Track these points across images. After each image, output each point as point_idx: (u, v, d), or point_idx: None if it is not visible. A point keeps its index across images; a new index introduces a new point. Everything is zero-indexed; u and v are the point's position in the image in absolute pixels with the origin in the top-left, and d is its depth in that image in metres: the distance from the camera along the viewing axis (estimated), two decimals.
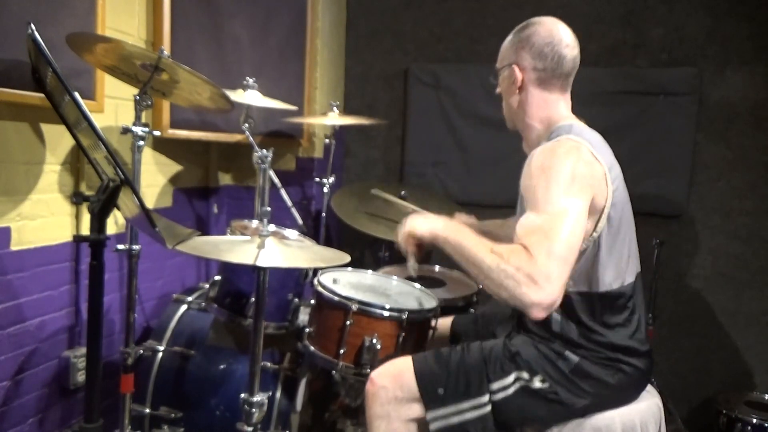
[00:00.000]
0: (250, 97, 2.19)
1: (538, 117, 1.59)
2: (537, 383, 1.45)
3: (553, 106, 1.58)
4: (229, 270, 2.01)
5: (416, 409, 1.52)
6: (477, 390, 1.47)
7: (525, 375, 1.47)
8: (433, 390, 1.49)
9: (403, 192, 2.78)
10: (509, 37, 1.62)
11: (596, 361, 1.45)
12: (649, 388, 1.57)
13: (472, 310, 2.14)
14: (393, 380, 1.53)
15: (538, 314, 1.25)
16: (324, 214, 2.79)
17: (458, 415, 1.47)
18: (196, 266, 2.84)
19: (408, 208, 1.99)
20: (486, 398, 1.46)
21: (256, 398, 1.60)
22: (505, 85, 1.63)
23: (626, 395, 1.50)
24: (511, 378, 1.47)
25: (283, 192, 2.31)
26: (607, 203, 1.41)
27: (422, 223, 1.51)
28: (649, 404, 1.52)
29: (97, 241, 1.54)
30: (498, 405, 1.45)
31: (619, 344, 1.45)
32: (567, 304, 1.45)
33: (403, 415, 1.52)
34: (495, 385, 1.47)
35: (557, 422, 1.47)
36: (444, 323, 1.95)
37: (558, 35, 1.55)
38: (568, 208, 1.32)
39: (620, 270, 1.47)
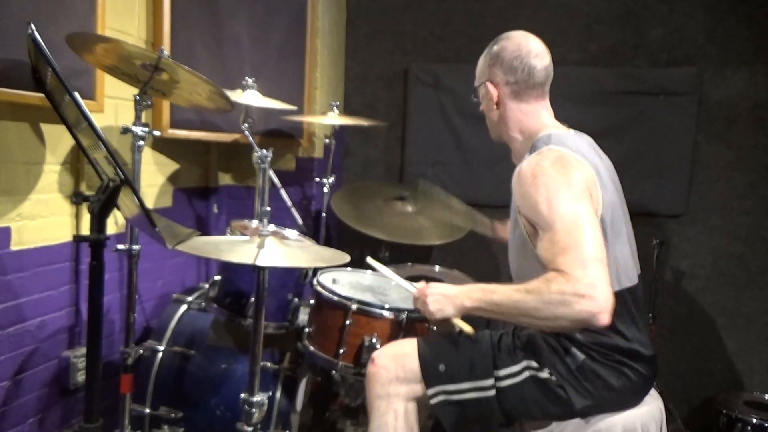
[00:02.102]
0: (250, 97, 2.19)
1: (519, 128, 1.62)
2: (546, 374, 1.46)
3: (532, 116, 1.61)
4: (229, 270, 2.02)
5: (417, 389, 1.53)
6: (482, 373, 1.48)
7: (534, 364, 1.47)
8: (434, 366, 1.51)
9: (403, 194, 2.79)
10: (482, 56, 1.67)
11: (601, 362, 1.45)
12: (651, 390, 1.57)
13: None
14: (394, 360, 1.55)
15: (604, 321, 1.27)
16: (324, 214, 2.79)
17: (459, 393, 1.48)
18: (196, 266, 2.84)
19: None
20: (490, 382, 1.47)
21: (256, 398, 1.61)
22: (485, 102, 1.68)
23: (628, 400, 1.49)
24: (520, 366, 1.48)
25: (283, 192, 2.31)
26: (600, 205, 1.42)
27: (448, 307, 1.51)
28: (650, 407, 1.51)
29: (97, 241, 1.54)
30: (504, 392, 1.47)
31: (623, 347, 1.45)
32: None
33: (403, 395, 1.53)
34: (502, 372, 1.48)
35: (558, 418, 1.48)
36: None
37: (526, 47, 1.58)
38: (577, 214, 1.33)
39: (620, 272, 1.47)
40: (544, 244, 1.36)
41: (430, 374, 1.51)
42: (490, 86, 1.62)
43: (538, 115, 1.61)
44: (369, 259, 1.88)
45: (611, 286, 1.43)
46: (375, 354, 1.60)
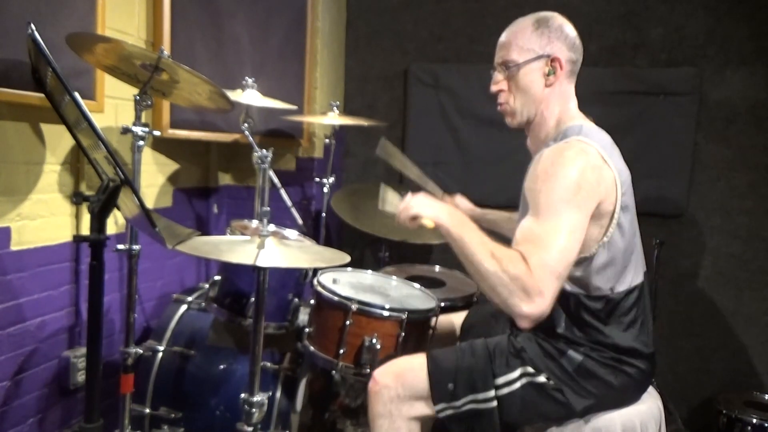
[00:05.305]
0: (250, 96, 2.19)
1: (556, 111, 1.54)
2: (542, 378, 1.46)
3: (570, 101, 1.56)
4: (229, 270, 2.01)
5: (419, 408, 1.52)
6: (483, 386, 1.47)
7: (530, 369, 1.47)
8: (444, 385, 1.50)
9: (402, 192, 2.79)
10: (529, 28, 1.54)
11: (600, 361, 1.45)
12: (650, 389, 1.57)
13: None
14: (396, 379, 1.54)
15: (525, 325, 1.29)
16: (324, 214, 2.79)
17: (465, 405, 1.48)
18: (196, 266, 2.84)
19: (411, 174, 1.93)
20: (492, 393, 1.47)
21: (256, 398, 1.60)
22: (531, 77, 1.53)
23: (628, 397, 1.50)
24: (517, 373, 1.47)
25: (283, 192, 2.31)
26: (617, 208, 1.40)
27: (428, 209, 1.46)
28: (649, 405, 1.52)
29: (97, 241, 1.54)
30: (503, 400, 1.46)
31: (623, 346, 1.45)
32: (576, 308, 1.46)
33: (405, 414, 1.52)
34: (500, 380, 1.47)
35: (558, 421, 1.47)
36: (453, 320, 1.95)
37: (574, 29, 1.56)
38: (567, 221, 1.32)
39: (629, 272, 1.47)
40: (524, 224, 1.36)
41: (439, 393, 1.50)
42: (555, 61, 1.51)
43: (572, 101, 1.57)
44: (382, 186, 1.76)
45: (620, 285, 1.45)
46: (376, 372, 1.58)
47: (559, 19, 1.54)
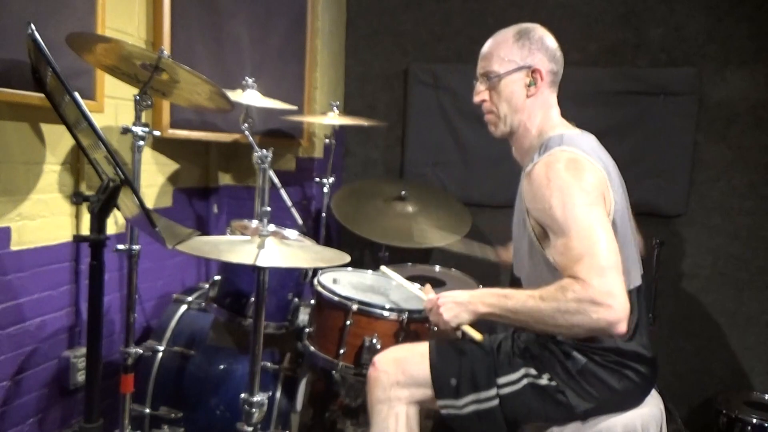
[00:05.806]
0: (250, 97, 2.19)
1: (538, 121, 1.58)
2: (545, 380, 1.45)
3: (552, 111, 1.59)
4: (229, 270, 2.02)
5: (418, 393, 1.52)
6: (485, 383, 1.47)
7: (533, 371, 1.47)
8: (446, 379, 1.50)
9: (403, 192, 2.79)
10: (510, 40, 1.57)
11: (603, 365, 1.44)
12: (652, 391, 1.57)
13: None
14: (396, 365, 1.54)
15: (621, 330, 1.27)
16: (324, 214, 2.79)
17: (467, 406, 1.47)
18: (196, 266, 2.84)
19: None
20: (493, 392, 1.46)
21: (256, 398, 1.60)
22: (512, 88, 1.57)
23: (630, 402, 1.49)
24: (520, 373, 1.47)
25: (283, 192, 2.31)
26: (612, 207, 1.41)
27: (463, 313, 1.47)
28: (650, 407, 1.51)
29: (97, 241, 1.54)
30: (505, 399, 1.46)
31: (625, 349, 1.45)
32: None
33: (404, 399, 1.53)
34: (502, 380, 1.47)
35: (559, 422, 1.47)
36: None
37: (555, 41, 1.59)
38: (593, 220, 1.32)
39: (627, 273, 1.46)
40: (559, 249, 1.35)
41: (441, 387, 1.50)
42: (536, 72, 1.54)
43: (554, 110, 1.59)
44: (383, 268, 1.89)
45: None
46: (376, 358, 1.58)
47: (540, 31, 1.58)
